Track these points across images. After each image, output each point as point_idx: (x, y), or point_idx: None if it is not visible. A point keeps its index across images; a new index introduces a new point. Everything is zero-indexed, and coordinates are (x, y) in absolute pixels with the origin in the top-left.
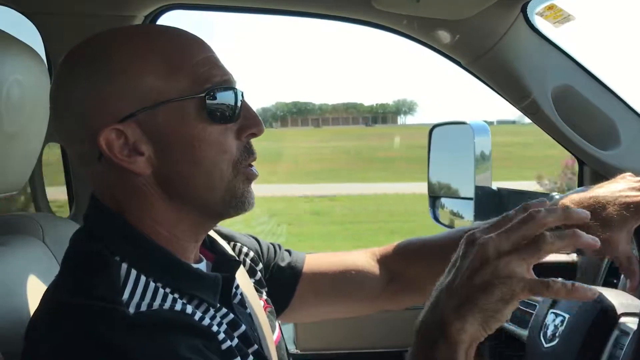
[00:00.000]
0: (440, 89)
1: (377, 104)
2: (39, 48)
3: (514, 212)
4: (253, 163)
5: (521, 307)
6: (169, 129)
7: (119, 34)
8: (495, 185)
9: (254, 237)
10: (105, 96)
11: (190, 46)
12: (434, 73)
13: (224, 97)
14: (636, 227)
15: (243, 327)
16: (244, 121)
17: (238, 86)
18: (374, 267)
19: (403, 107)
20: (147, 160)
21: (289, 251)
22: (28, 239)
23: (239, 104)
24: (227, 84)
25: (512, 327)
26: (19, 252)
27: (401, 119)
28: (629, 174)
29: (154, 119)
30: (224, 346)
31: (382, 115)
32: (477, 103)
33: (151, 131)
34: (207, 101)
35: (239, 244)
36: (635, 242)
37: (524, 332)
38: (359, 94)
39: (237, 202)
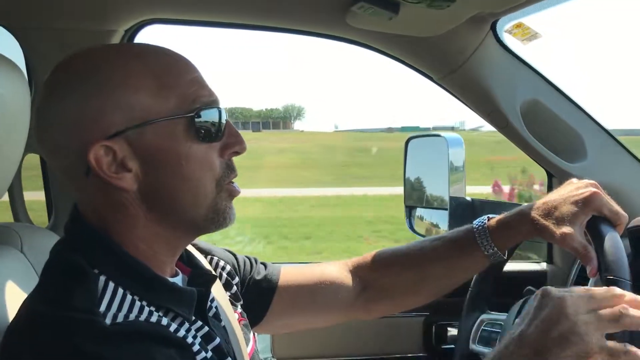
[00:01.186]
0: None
1: (266, 109)
2: (20, 61)
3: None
4: (234, 180)
5: (487, 329)
6: (157, 146)
7: (113, 50)
8: (469, 197)
9: (230, 252)
10: (95, 111)
11: (179, 66)
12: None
13: (210, 117)
14: (588, 220)
15: (217, 340)
16: (228, 139)
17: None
18: (347, 278)
19: (292, 113)
20: (134, 176)
21: (264, 264)
22: (6, 248)
23: (223, 122)
24: (214, 104)
25: (481, 348)
26: None
27: (295, 124)
28: (575, 179)
29: (143, 136)
30: (199, 357)
31: (272, 121)
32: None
33: (139, 148)
34: (195, 120)
35: (215, 258)
36: (589, 234)
37: None
38: (249, 98)
39: (219, 218)
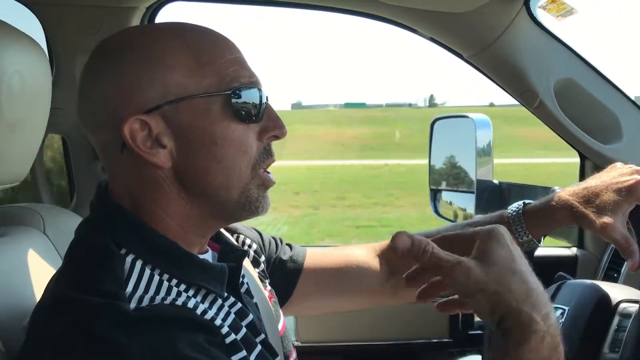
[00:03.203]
0: None
1: None
2: (40, 39)
3: None
4: (270, 170)
5: None
6: (192, 123)
7: (153, 27)
8: (496, 180)
9: (256, 230)
10: (132, 85)
11: (220, 45)
12: None
13: (249, 97)
14: (631, 210)
15: (251, 316)
16: (267, 122)
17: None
18: (374, 262)
19: None
20: (168, 153)
21: (290, 245)
22: (29, 230)
23: (263, 104)
24: (253, 85)
25: None
26: (20, 243)
27: None
28: (619, 163)
29: (178, 112)
30: (228, 340)
31: None
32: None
33: (175, 125)
34: (232, 99)
35: (242, 236)
36: (632, 224)
37: None
38: None
39: (251, 207)
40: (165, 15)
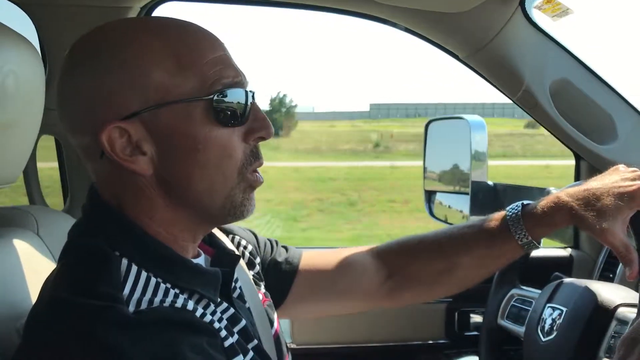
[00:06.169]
0: None
1: None
2: (33, 38)
3: None
4: (258, 169)
5: (517, 305)
6: (173, 129)
7: (131, 25)
8: (491, 181)
9: (251, 232)
10: (110, 89)
11: (202, 44)
12: None
13: (234, 97)
14: (632, 216)
15: (243, 322)
16: (253, 123)
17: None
18: (370, 264)
19: None
20: (149, 160)
21: (285, 247)
22: (23, 231)
23: (248, 105)
24: (238, 85)
25: (509, 325)
26: (13, 245)
27: None
28: (622, 165)
29: (158, 118)
30: (227, 343)
31: None
32: None
33: (155, 131)
34: (215, 103)
35: (237, 237)
36: (632, 231)
37: (520, 329)
38: None
39: (237, 211)
40: (160, 14)
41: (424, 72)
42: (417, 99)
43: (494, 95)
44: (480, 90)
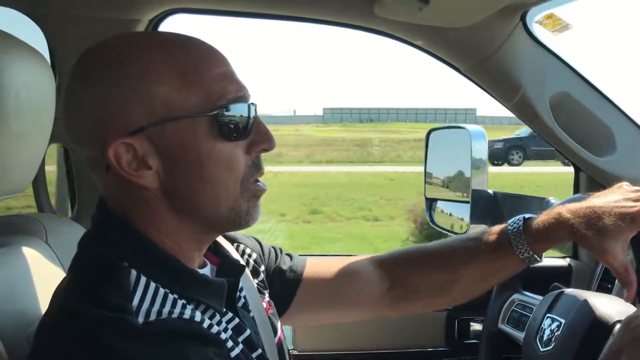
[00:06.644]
0: None
1: None
2: (43, 50)
3: None
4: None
5: (518, 310)
6: (178, 144)
7: (137, 41)
8: (491, 190)
9: (255, 239)
10: (115, 106)
11: (207, 60)
12: None
13: (238, 111)
14: (633, 237)
15: (248, 332)
16: (256, 136)
17: None
18: (373, 274)
19: None
20: (155, 174)
21: (289, 255)
22: (31, 239)
23: (251, 119)
24: (242, 100)
25: (509, 329)
26: (22, 253)
27: None
28: (626, 183)
29: (164, 133)
30: (233, 354)
31: None
32: None
33: (161, 145)
34: (219, 118)
35: (242, 245)
36: (632, 252)
37: (520, 335)
38: None
39: (241, 220)
40: (167, 28)
41: (379, 78)
42: (371, 104)
43: (448, 102)
44: (433, 97)
